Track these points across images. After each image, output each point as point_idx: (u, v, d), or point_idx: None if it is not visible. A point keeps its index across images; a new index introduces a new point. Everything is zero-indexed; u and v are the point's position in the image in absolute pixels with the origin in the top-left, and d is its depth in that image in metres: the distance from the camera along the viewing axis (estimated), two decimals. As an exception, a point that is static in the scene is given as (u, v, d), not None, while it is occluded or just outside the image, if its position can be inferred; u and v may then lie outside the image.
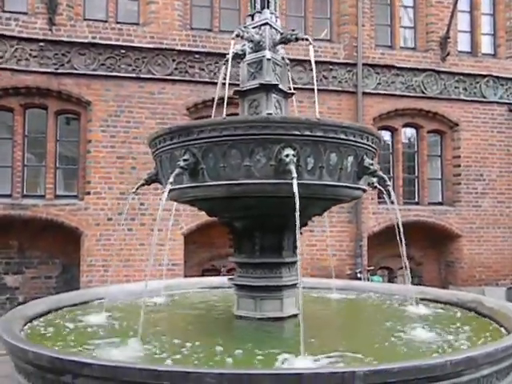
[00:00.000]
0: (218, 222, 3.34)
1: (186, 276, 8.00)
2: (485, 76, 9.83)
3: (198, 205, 3.19)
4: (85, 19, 8.30)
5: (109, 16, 8.41)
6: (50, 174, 8.13)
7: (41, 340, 2.66)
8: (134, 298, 3.75)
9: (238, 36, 3.07)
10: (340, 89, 9.07)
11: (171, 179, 2.59)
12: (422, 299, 3.63)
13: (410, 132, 10.00)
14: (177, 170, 2.60)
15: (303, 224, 2.97)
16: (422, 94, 9.54)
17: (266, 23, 3.18)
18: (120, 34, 8.25)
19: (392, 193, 3.04)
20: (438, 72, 9.60)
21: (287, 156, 2.46)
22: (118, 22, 8.40)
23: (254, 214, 2.93)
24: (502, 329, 2.89)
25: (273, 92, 3.11)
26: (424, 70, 9.54)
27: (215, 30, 8.83)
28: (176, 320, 3.35)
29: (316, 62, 3.41)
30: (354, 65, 9.13)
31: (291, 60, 3.80)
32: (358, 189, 2.90)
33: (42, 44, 7.91)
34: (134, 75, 8.23)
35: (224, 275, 7.56)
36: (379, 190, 3.12)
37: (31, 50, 7.89)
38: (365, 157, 2.76)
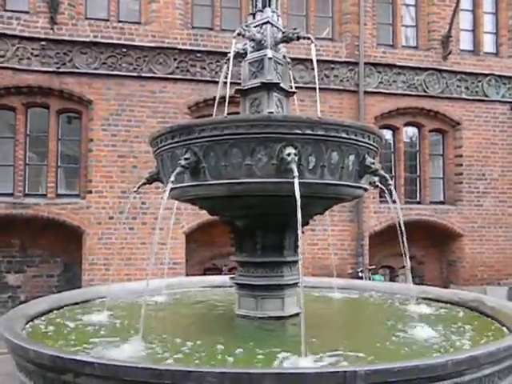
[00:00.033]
0: (219, 221, 3.33)
1: (187, 275, 8.00)
2: (487, 75, 9.81)
3: (200, 204, 3.19)
4: (86, 18, 8.32)
5: (110, 15, 8.42)
6: (51, 173, 8.15)
7: (42, 339, 2.66)
8: (135, 297, 3.74)
9: (239, 35, 3.06)
10: (341, 88, 9.04)
11: (172, 178, 2.58)
12: (423, 298, 3.63)
13: (411, 131, 9.99)
14: (178, 169, 2.59)
15: (305, 223, 2.96)
16: (424, 93, 9.53)
17: (268, 22, 3.16)
18: (121, 32, 8.26)
19: (393, 192, 3.03)
20: (440, 71, 9.58)
21: (289, 155, 2.45)
22: (119, 21, 8.41)
23: (256, 213, 2.93)
24: (504, 328, 2.88)
25: (274, 91, 3.10)
26: (426, 69, 9.53)
27: (216, 29, 8.83)
28: (177, 319, 3.35)
29: (318, 61, 3.41)
30: (356, 63, 9.12)
31: (293, 59, 3.80)
32: (360, 188, 2.89)
33: (43, 43, 7.92)
34: (135, 74, 8.24)
35: (225, 274, 7.58)
36: (381, 189, 3.10)
37: (33, 49, 7.90)
38: (366, 156, 2.75)
